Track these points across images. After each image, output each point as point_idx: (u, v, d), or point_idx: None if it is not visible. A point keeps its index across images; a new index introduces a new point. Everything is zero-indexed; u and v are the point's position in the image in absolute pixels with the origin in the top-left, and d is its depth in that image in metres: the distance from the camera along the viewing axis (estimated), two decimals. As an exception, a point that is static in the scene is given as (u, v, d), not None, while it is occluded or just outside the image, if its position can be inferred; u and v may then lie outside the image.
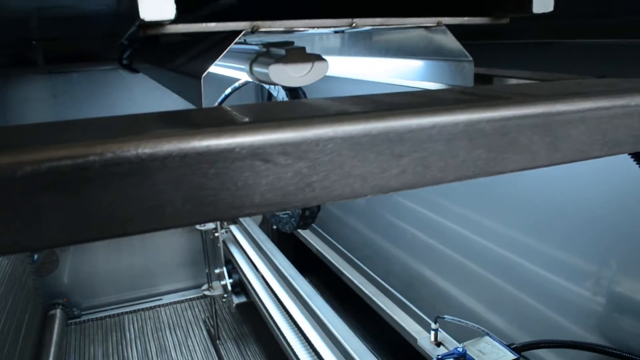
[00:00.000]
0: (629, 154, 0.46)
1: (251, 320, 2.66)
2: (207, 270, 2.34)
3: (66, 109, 2.43)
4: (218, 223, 2.11)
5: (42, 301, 2.61)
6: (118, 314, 2.77)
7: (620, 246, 0.95)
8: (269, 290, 1.87)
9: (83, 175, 0.24)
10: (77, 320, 2.73)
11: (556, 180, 1.06)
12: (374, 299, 1.37)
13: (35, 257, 2.60)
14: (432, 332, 1.02)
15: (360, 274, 1.48)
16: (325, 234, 1.78)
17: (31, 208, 0.24)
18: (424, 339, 1.04)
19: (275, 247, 1.79)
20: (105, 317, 2.75)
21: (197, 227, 2.21)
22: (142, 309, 2.81)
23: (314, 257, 1.78)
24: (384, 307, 1.45)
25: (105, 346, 2.50)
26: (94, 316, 2.76)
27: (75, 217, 0.25)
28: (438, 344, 1.01)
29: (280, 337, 1.61)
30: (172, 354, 2.42)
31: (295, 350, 1.49)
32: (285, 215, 1.46)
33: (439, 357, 0.95)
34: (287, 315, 1.67)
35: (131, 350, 2.46)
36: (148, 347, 2.47)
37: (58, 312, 2.63)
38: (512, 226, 1.21)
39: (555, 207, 1.08)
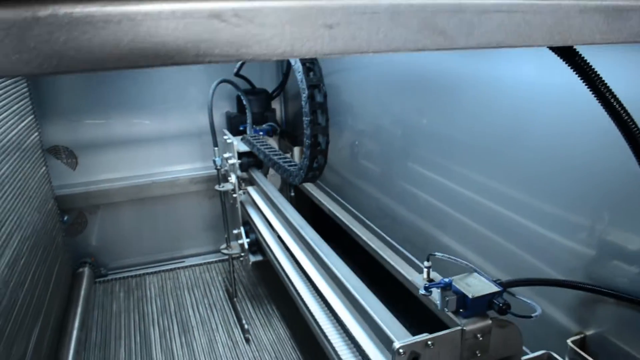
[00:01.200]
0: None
1: (266, 278, 2.79)
2: (225, 231, 2.46)
3: None
4: (236, 184, 2.21)
5: (71, 259, 2.77)
6: (140, 275, 2.92)
7: (610, 199, 1.02)
8: (284, 248, 1.96)
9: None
10: (104, 279, 2.89)
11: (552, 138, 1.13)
12: (379, 251, 1.44)
13: (66, 217, 2.75)
14: (425, 270, 1.10)
15: (372, 233, 1.56)
16: (342, 200, 1.85)
17: None
18: (417, 278, 1.12)
19: (291, 206, 1.88)
20: (129, 277, 2.91)
21: (217, 187, 2.32)
22: (163, 271, 2.95)
23: (331, 222, 1.86)
24: (391, 261, 1.52)
25: (127, 303, 2.65)
26: (118, 276, 2.91)
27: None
28: (430, 280, 1.09)
29: (295, 293, 1.70)
30: (190, 310, 2.55)
31: (309, 305, 1.57)
32: (294, 168, 1.56)
33: (426, 286, 1.04)
34: (301, 272, 1.76)
35: (151, 307, 2.60)
36: (167, 305, 2.62)
37: (86, 270, 2.79)
38: (509, 185, 1.29)
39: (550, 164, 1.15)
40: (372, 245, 1.42)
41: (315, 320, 1.50)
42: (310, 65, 1.34)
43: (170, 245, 3.01)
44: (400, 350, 0.95)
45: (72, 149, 2.70)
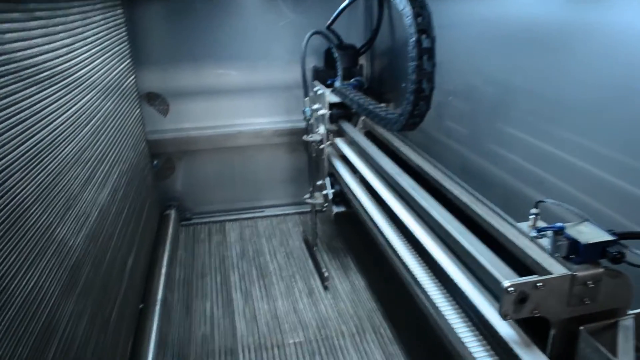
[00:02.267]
0: None
1: (346, 231, 2.82)
2: (309, 182, 2.49)
3: None
4: (325, 135, 2.22)
5: (159, 202, 2.90)
6: (221, 221, 3.03)
7: None
8: (372, 196, 1.96)
9: None
10: (188, 222, 3.02)
11: None
12: (472, 205, 1.40)
13: (155, 162, 2.88)
14: (532, 217, 1.06)
15: (461, 187, 1.51)
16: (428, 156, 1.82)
17: None
18: (521, 225, 1.08)
19: (384, 155, 1.86)
20: (210, 222, 3.02)
21: (304, 137, 2.34)
22: (243, 219, 3.05)
23: (416, 178, 1.83)
24: (485, 215, 1.47)
25: (209, 246, 2.76)
26: (201, 220, 3.03)
27: None
28: (537, 228, 1.06)
29: (382, 239, 1.69)
30: (268, 257, 2.63)
31: (398, 251, 1.56)
32: (394, 115, 1.53)
33: (540, 228, 1.00)
34: (392, 219, 1.75)
35: (230, 252, 2.70)
36: (246, 251, 2.70)
37: (172, 213, 2.92)
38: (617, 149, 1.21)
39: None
40: (464, 200, 1.38)
41: (405, 266, 1.50)
42: (420, 9, 1.30)
43: (251, 195, 3.09)
44: (510, 289, 0.93)
45: (165, 96, 2.79)
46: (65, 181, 1.34)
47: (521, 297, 0.94)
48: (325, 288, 2.32)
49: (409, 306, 2.14)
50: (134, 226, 2.09)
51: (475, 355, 1.11)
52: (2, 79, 1.07)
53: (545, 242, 1.01)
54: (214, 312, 2.20)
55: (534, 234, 1.03)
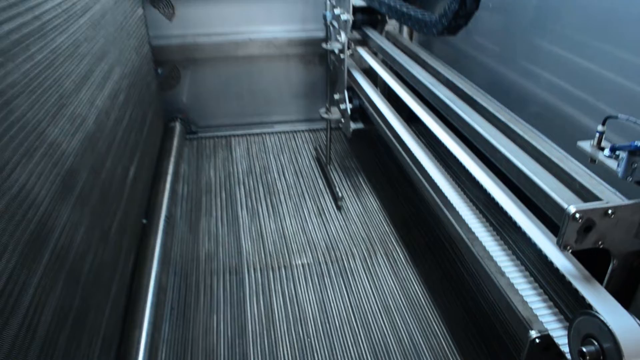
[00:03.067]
0: None
1: (361, 150, 2.68)
2: (327, 95, 2.31)
3: None
4: (345, 43, 2.02)
5: (164, 113, 2.74)
6: (228, 135, 2.88)
7: None
8: (397, 112, 1.80)
9: None
10: (194, 136, 2.87)
11: None
12: (515, 126, 1.24)
13: (160, 70, 2.69)
14: (597, 135, 0.90)
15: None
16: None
17: None
18: (583, 144, 0.92)
19: (410, 60, 1.68)
20: (217, 136, 2.87)
21: (324, 45, 2.14)
22: (251, 134, 2.89)
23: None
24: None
25: (215, 162, 2.63)
26: (207, 134, 2.88)
27: None
28: (601, 148, 0.90)
29: (407, 158, 1.55)
30: (275, 174, 2.50)
31: (429, 170, 1.41)
32: (434, 16, 1.34)
33: (613, 147, 0.85)
34: (421, 138, 1.60)
35: (237, 167, 2.57)
36: (253, 167, 2.57)
37: (177, 125, 2.76)
38: None
39: None
40: (502, 118, 1.22)
41: (435, 185, 1.36)
42: None
43: (260, 109, 2.91)
44: (577, 215, 0.79)
45: (169, -3, 2.56)
46: (57, 76, 1.18)
47: (587, 225, 0.81)
48: (339, 208, 2.20)
49: (429, 230, 2.06)
50: (136, 135, 1.94)
51: (521, 289, 0.99)
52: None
53: (611, 163, 0.86)
54: (219, 230, 2.10)
55: (604, 154, 0.87)
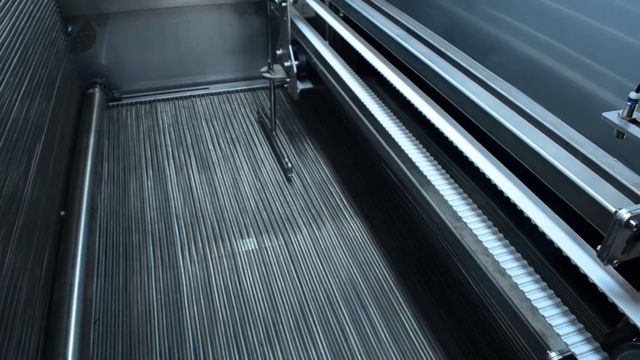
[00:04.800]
0: None
1: (311, 111, 2.43)
2: (268, 52, 2.02)
3: None
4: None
5: (80, 78, 2.37)
6: (155, 101, 2.53)
7: None
8: (349, 69, 1.56)
9: None
10: (116, 103, 2.51)
11: None
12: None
13: (70, 28, 2.30)
14: (627, 105, 0.70)
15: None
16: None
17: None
18: (610, 114, 0.72)
19: (367, 5, 1.43)
20: (142, 102, 2.52)
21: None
22: (180, 98, 2.56)
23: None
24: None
25: (138, 132, 2.29)
26: (131, 100, 2.53)
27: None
28: (633, 120, 0.70)
29: (368, 123, 1.33)
30: (209, 144, 2.20)
31: (400, 142, 1.20)
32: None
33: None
34: (383, 97, 1.37)
35: (165, 138, 2.25)
36: (182, 135, 2.27)
37: (96, 91, 2.40)
38: None
39: None
40: (481, 76, 1.01)
41: (398, 147, 1.14)
42: None
43: (190, 68, 2.58)
44: (632, 222, 0.58)
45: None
46: None
47: (638, 233, 0.60)
48: (288, 180, 1.96)
49: (389, 200, 1.85)
50: (41, 105, 1.60)
51: (533, 299, 0.79)
52: None
53: None
54: (147, 215, 1.80)
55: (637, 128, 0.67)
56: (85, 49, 2.40)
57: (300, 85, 1.85)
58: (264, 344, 1.35)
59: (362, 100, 1.35)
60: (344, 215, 1.80)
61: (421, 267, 1.59)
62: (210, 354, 1.32)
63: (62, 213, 1.63)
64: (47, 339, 1.23)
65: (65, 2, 2.18)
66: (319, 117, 2.37)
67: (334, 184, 1.95)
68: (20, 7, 1.57)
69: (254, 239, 1.70)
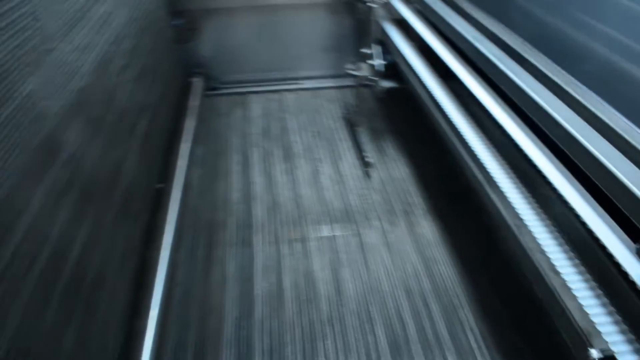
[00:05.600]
0: None
1: (397, 111, 2.48)
2: (355, 49, 2.09)
3: None
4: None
5: (183, 67, 2.57)
6: (248, 92, 2.69)
7: None
8: (434, 70, 1.59)
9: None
10: (214, 92, 2.70)
11: None
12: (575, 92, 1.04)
13: (177, 20, 2.50)
14: None
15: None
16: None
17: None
18: None
19: (460, 17, 1.46)
20: (235, 93, 2.69)
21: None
22: (273, 90, 2.70)
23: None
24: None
25: (231, 120, 2.45)
26: (228, 91, 2.70)
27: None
28: None
29: (446, 127, 1.36)
30: (296, 136, 2.31)
31: (474, 146, 1.23)
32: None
33: None
34: (462, 103, 1.40)
35: (254, 127, 2.39)
36: (270, 125, 2.39)
37: (197, 81, 2.60)
38: None
39: None
40: (559, 81, 1.02)
41: (477, 160, 1.17)
42: None
43: (283, 63, 2.71)
44: None
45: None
46: (33, 14, 1.01)
47: None
48: (367, 175, 2.02)
49: (465, 204, 1.87)
50: (147, 87, 1.78)
51: (580, 296, 0.80)
52: None
53: None
54: (232, 196, 1.94)
55: None
56: (189, 41, 2.60)
57: (384, 84, 1.90)
58: (326, 323, 1.43)
59: (440, 103, 1.39)
60: (419, 213, 1.84)
61: (489, 273, 1.60)
62: (277, 327, 1.42)
63: (159, 186, 1.80)
64: (137, 292, 1.38)
65: (175, -2, 2.38)
66: (402, 116, 2.41)
67: (412, 183, 1.99)
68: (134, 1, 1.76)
69: (327, 226, 1.78)
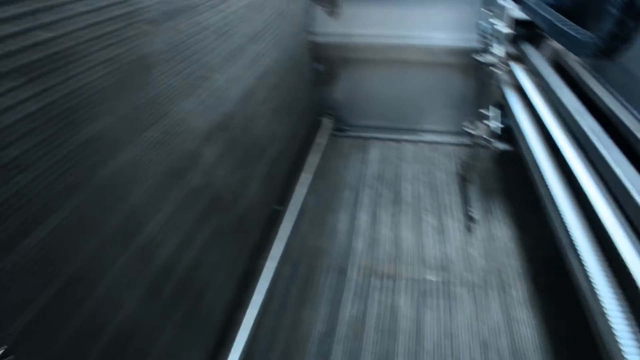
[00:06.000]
0: None
1: (507, 172, 2.51)
2: (474, 109, 2.21)
3: None
4: (500, 57, 1.91)
5: (316, 107, 2.84)
6: (372, 137, 2.89)
7: None
8: (545, 138, 1.66)
9: None
10: (340, 133, 2.93)
11: None
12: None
13: (317, 65, 2.79)
14: None
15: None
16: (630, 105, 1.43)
17: None
18: None
19: (569, 90, 1.53)
20: (360, 137, 2.90)
21: (475, 55, 2.05)
22: (393, 139, 2.87)
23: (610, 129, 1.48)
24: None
25: (350, 161, 2.65)
26: (352, 134, 2.93)
27: None
28: None
29: (548, 194, 1.43)
30: (406, 182, 2.44)
31: (564, 212, 1.29)
32: (587, 37, 1.20)
33: None
34: (563, 171, 1.46)
35: (369, 169, 2.57)
36: (384, 170, 2.55)
37: (327, 120, 2.85)
38: None
39: None
40: None
41: (567, 230, 1.23)
42: None
43: (406, 115, 2.88)
44: None
45: (337, -3, 2.65)
46: (203, 50, 1.28)
47: None
48: (469, 230, 2.10)
49: (557, 274, 1.87)
50: (281, 120, 2.04)
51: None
52: None
53: None
54: (338, 227, 2.12)
55: None
56: (326, 85, 2.87)
57: (499, 145, 1.99)
58: (400, 356, 1.53)
59: (543, 172, 1.46)
60: (512, 274, 1.87)
61: (572, 348, 1.59)
62: (355, 349, 1.55)
63: (276, 207, 2.04)
64: (240, 294, 1.60)
65: (318, 46, 2.67)
66: (512, 179, 2.45)
67: (512, 245, 2.02)
68: (285, 43, 2.04)
69: (420, 269, 1.88)
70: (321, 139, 2.66)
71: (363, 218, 2.18)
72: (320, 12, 2.66)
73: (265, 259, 1.81)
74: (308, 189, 2.27)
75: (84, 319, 0.85)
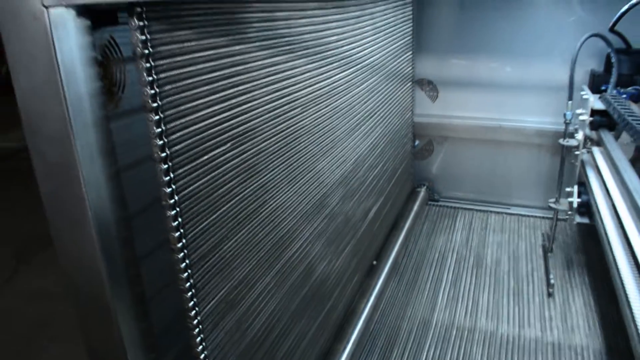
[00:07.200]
0: None
1: (586, 244, 2.68)
2: (558, 187, 2.45)
3: None
4: (582, 141, 2.17)
5: (413, 179, 3.19)
6: (461, 208, 3.19)
7: None
8: (614, 214, 1.87)
9: None
10: (434, 203, 3.24)
11: None
12: None
13: (417, 142, 3.16)
14: None
15: None
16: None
17: None
18: None
19: (634, 172, 1.76)
20: (450, 207, 3.20)
21: (560, 141, 2.31)
22: (482, 211, 3.13)
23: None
24: None
25: (438, 227, 2.94)
26: (444, 204, 3.23)
27: None
28: None
29: (614, 266, 1.63)
30: (494, 253, 2.67)
31: (627, 284, 1.50)
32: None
33: None
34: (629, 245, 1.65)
35: (457, 237, 2.83)
36: (469, 239, 2.82)
37: (422, 191, 3.18)
38: None
39: None
40: None
41: (629, 303, 1.44)
42: None
43: (495, 189, 3.15)
44: None
45: (436, 83, 3.03)
46: (334, 125, 1.69)
47: None
48: (549, 295, 2.29)
49: (618, 346, 2.00)
50: (383, 185, 2.40)
51: None
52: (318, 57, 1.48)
53: None
54: (420, 286, 2.40)
55: None
56: (424, 159, 3.22)
57: (578, 219, 2.20)
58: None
59: (613, 249, 1.67)
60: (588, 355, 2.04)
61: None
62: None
63: (374, 262, 2.36)
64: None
65: (419, 125, 3.05)
66: (595, 251, 2.60)
67: (591, 319, 2.17)
68: (390, 121, 2.44)
69: (494, 324, 2.10)
70: (415, 206, 2.98)
71: (444, 278, 2.45)
72: (422, 95, 3.06)
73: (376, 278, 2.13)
74: (400, 247, 2.58)
75: (243, 311, 1.22)
